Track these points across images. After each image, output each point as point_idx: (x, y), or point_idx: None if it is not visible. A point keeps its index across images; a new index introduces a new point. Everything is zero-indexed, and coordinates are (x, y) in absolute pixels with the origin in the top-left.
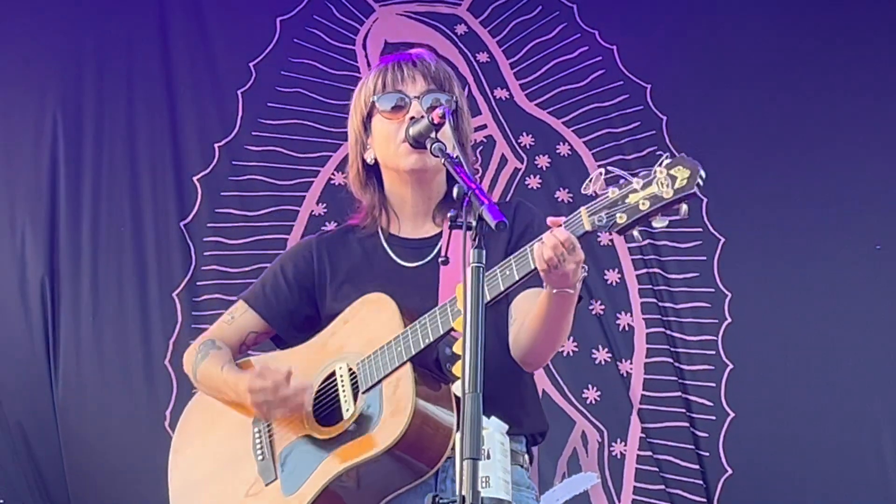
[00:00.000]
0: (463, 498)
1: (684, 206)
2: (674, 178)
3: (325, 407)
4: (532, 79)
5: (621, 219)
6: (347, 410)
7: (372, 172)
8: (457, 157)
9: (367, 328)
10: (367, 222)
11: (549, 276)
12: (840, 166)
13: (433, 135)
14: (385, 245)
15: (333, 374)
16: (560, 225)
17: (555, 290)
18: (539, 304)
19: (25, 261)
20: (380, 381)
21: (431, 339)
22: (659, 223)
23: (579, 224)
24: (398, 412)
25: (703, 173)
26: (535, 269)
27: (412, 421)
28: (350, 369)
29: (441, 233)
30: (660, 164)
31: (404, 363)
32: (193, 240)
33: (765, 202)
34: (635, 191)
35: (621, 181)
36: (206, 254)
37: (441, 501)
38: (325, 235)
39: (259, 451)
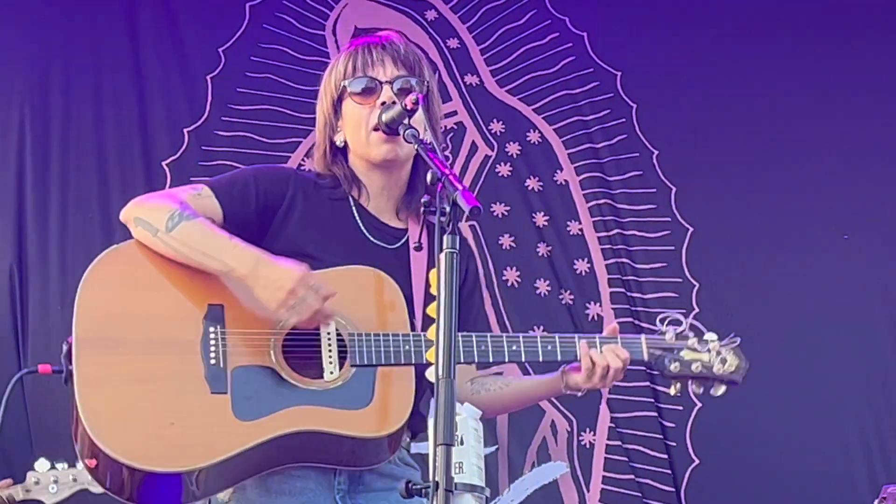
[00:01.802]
0: (437, 483)
1: (723, 388)
2: (725, 360)
3: (296, 351)
4: (502, 65)
5: (674, 367)
6: (331, 374)
7: (339, 152)
8: (430, 142)
9: (365, 302)
10: (333, 185)
11: (590, 381)
12: (808, 156)
13: (406, 121)
14: (354, 212)
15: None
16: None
17: (567, 391)
18: (536, 388)
19: None
20: (377, 366)
21: (461, 360)
22: (696, 388)
23: (639, 351)
24: (398, 407)
25: (747, 372)
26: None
27: (403, 426)
28: (338, 333)
29: (402, 230)
30: (716, 340)
31: (411, 364)
32: None
33: (733, 192)
34: (692, 349)
35: (682, 330)
36: None
37: (415, 487)
38: (300, 174)
39: (213, 354)
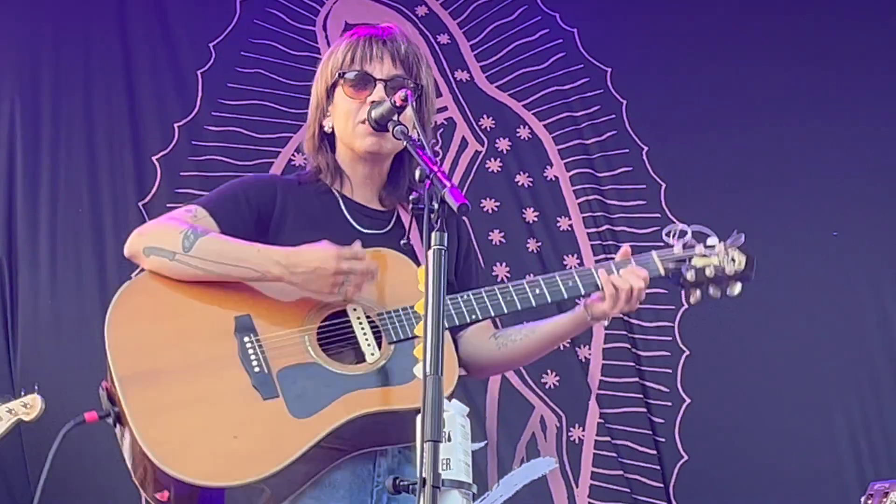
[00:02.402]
0: (424, 480)
1: (738, 286)
2: (733, 260)
3: (333, 342)
4: (492, 61)
5: (690, 276)
6: (373, 355)
7: (327, 138)
8: (419, 139)
9: (385, 281)
10: (318, 179)
11: (615, 307)
12: (798, 153)
13: (395, 117)
14: (341, 204)
15: (341, 313)
16: (630, 260)
17: (593, 321)
18: (561, 326)
19: None
20: (412, 339)
21: (479, 317)
22: (715, 291)
23: (654, 268)
24: (447, 372)
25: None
26: (584, 292)
27: (456, 386)
28: (368, 316)
29: (390, 212)
30: (721, 242)
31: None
32: (152, 220)
33: (722, 188)
34: (702, 256)
35: (687, 240)
36: None
37: (402, 483)
38: (283, 180)
39: (255, 362)
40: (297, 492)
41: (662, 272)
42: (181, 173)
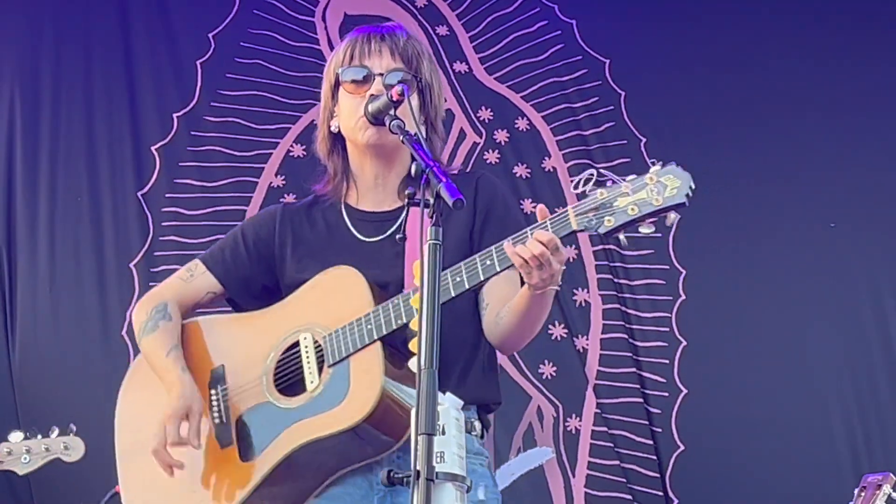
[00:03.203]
0: (418, 472)
1: (672, 214)
2: (664, 186)
3: (287, 377)
4: (491, 52)
5: (609, 222)
6: (312, 382)
7: (338, 140)
8: (415, 134)
9: (334, 301)
10: (330, 190)
11: (531, 277)
12: (796, 144)
13: (392, 112)
14: (346, 219)
15: (296, 344)
16: (545, 223)
17: (538, 291)
18: (518, 302)
19: None
20: (348, 357)
21: (405, 321)
22: (646, 229)
23: (566, 224)
24: (367, 388)
25: (693, 185)
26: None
27: (380, 399)
28: (315, 341)
29: (401, 208)
30: (650, 171)
31: (375, 341)
32: (151, 210)
33: (720, 179)
34: (625, 194)
35: (610, 183)
36: (163, 224)
37: (396, 476)
38: (289, 207)
39: (216, 414)
40: None
41: (575, 226)
42: (180, 163)
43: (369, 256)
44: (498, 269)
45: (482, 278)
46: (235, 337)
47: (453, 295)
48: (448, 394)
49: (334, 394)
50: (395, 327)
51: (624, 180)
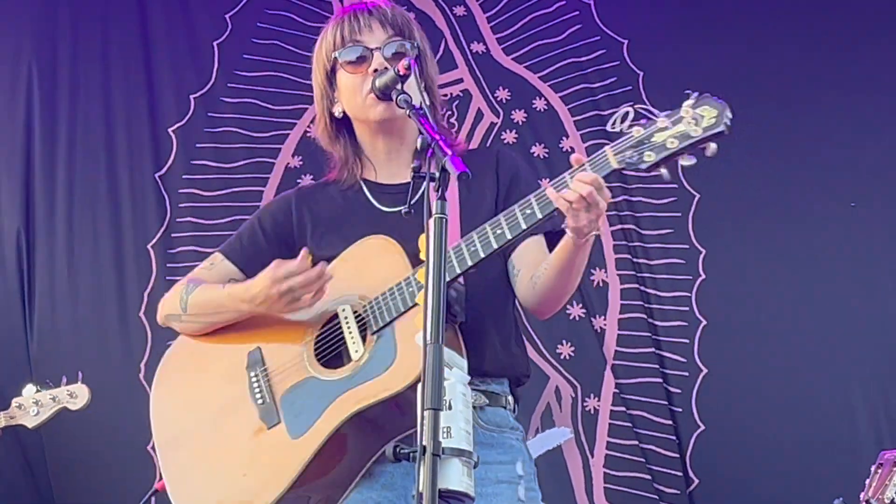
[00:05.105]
0: (424, 448)
1: (713, 145)
2: (701, 117)
3: (328, 350)
4: (509, 33)
5: (649, 157)
6: (356, 352)
7: (342, 125)
8: (422, 109)
9: (369, 270)
10: (345, 175)
11: (578, 220)
12: (816, 124)
13: (399, 86)
14: (366, 192)
15: (335, 316)
16: (584, 165)
17: (582, 239)
18: (558, 256)
19: (0, 212)
20: (392, 322)
21: (447, 280)
22: (686, 161)
23: (605, 163)
24: (417, 350)
25: (730, 113)
26: (543, 217)
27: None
28: (355, 311)
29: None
30: (686, 102)
31: (416, 304)
32: (168, 192)
33: (740, 159)
34: (663, 129)
35: (645, 119)
36: (180, 206)
37: (402, 451)
38: (303, 189)
39: (258, 396)
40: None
41: (616, 165)
42: (197, 145)
43: (391, 226)
44: (539, 216)
45: (524, 227)
46: (268, 320)
47: (495, 247)
48: (455, 369)
49: (382, 360)
50: (458, 271)
51: (661, 114)
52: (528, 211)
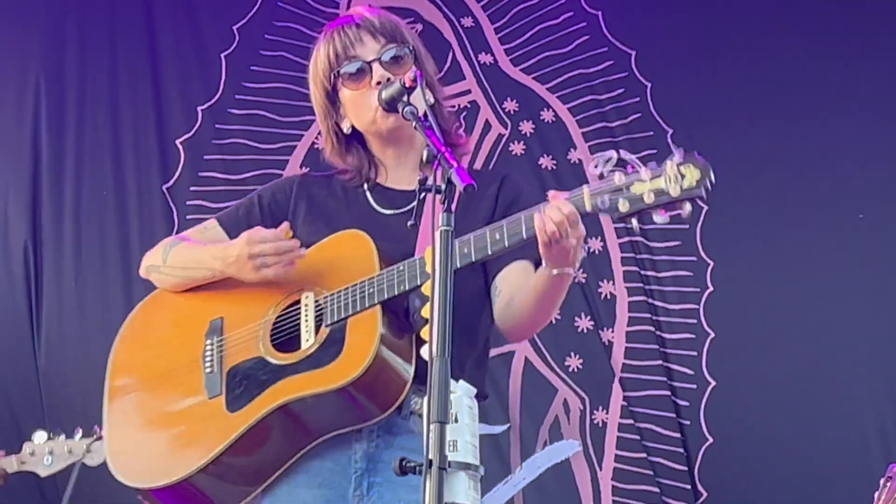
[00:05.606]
0: (430, 461)
1: (688, 206)
2: (682, 176)
3: (284, 333)
4: (517, 44)
5: (623, 206)
6: (307, 341)
7: (351, 137)
8: (428, 120)
9: (340, 263)
10: (354, 176)
11: (550, 252)
12: (824, 135)
13: (405, 98)
14: (367, 192)
15: (298, 301)
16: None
17: (555, 272)
18: (535, 284)
19: (8, 224)
20: (346, 318)
21: (407, 287)
22: (659, 218)
23: (580, 202)
24: (360, 352)
25: (713, 178)
26: (526, 237)
27: (373, 363)
28: (316, 300)
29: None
30: (671, 159)
31: (374, 305)
32: (176, 203)
33: (748, 171)
34: (642, 181)
35: (630, 168)
36: (188, 217)
37: (408, 465)
38: (308, 175)
39: (208, 365)
40: (270, 478)
41: (589, 208)
42: (205, 156)
43: (382, 227)
44: (507, 245)
45: (489, 252)
46: (239, 292)
47: (459, 266)
48: (461, 382)
49: (327, 353)
50: (396, 293)
51: (644, 166)
52: (497, 236)
